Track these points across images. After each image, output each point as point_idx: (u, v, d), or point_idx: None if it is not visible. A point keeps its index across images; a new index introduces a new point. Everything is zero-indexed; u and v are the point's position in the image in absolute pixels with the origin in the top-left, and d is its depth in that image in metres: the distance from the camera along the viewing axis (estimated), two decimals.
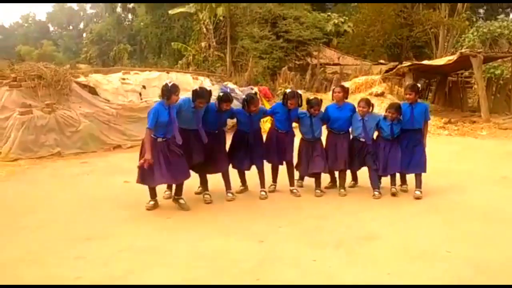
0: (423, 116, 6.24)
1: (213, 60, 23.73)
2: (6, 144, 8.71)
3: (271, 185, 6.53)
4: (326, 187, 6.65)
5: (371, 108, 6.26)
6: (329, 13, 25.19)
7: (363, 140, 6.26)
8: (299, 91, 6.35)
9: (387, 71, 17.79)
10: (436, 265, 3.99)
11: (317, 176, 6.40)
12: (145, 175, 5.36)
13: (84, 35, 60.57)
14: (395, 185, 6.40)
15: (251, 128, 6.14)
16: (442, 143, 11.35)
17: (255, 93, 6.39)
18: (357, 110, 6.27)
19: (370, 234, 4.79)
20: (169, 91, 5.37)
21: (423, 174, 6.27)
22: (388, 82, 17.26)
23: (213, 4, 22.65)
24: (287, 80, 18.22)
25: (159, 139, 5.37)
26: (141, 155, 5.35)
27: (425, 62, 16.05)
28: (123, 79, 11.68)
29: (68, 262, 4.05)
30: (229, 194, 6.11)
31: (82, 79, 10.71)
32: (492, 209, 5.69)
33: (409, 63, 15.87)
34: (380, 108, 11.58)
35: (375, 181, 6.29)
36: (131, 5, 43.68)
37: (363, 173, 6.55)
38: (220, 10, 22.84)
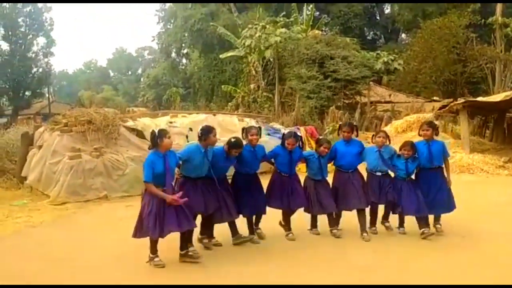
0: (442, 153, 6.16)
1: (262, 101, 23.99)
2: (55, 187, 9.00)
3: (288, 233, 6.22)
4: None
5: (387, 140, 6.21)
6: (378, 52, 24.89)
7: (379, 174, 6.17)
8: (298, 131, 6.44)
9: (440, 109, 17.11)
10: None
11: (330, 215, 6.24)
12: (145, 228, 4.99)
13: (142, 79, 63.36)
14: (402, 227, 6.34)
15: (252, 169, 5.98)
16: (501, 184, 10.66)
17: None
18: (374, 140, 6.26)
19: None
20: (157, 138, 4.94)
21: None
22: (441, 120, 16.59)
23: (262, 47, 23.08)
24: (335, 119, 17.98)
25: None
26: (142, 210, 5.07)
27: (480, 98, 15.26)
28: (170, 122, 11.92)
29: None
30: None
31: (130, 123, 11.03)
32: None
33: (463, 100, 15.16)
34: None
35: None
36: (185, 50, 45.38)
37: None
38: (268, 52, 23.23)
